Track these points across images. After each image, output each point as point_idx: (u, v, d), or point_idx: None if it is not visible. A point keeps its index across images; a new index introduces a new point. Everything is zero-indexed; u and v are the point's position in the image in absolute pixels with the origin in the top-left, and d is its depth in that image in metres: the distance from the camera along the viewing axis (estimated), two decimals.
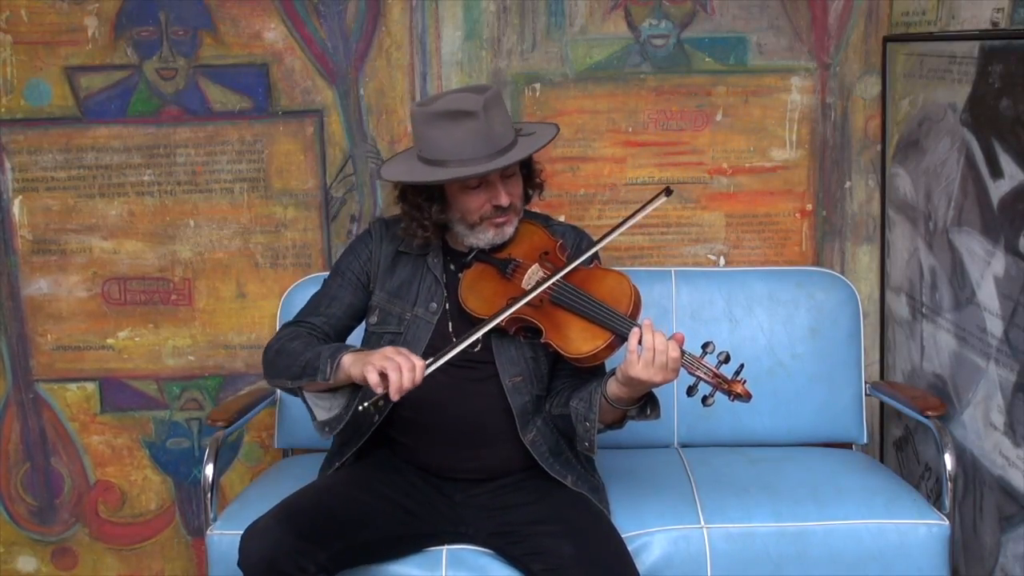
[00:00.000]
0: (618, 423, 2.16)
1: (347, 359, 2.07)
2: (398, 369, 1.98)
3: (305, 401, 2.19)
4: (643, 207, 2.21)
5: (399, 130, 2.83)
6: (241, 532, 2.11)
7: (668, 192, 2.21)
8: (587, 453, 2.17)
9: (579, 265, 2.19)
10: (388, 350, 2.04)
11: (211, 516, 2.39)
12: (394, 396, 1.99)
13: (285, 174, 2.86)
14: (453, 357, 2.08)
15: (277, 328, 2.75)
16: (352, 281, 2.34)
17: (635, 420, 2.15)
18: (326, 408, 2.16)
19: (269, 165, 2.85)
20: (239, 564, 2.08)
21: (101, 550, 3.02)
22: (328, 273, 2.42)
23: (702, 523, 2.28)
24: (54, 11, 2.79)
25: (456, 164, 2.17)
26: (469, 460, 2.25)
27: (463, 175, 2.16)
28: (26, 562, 3.03)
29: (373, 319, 2.32)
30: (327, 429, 2.16)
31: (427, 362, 2.04)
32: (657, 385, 2.03)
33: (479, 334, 2.12)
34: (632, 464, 2.56)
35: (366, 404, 2.03)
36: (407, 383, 1.99)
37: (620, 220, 2.23)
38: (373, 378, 1.99)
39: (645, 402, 2.13)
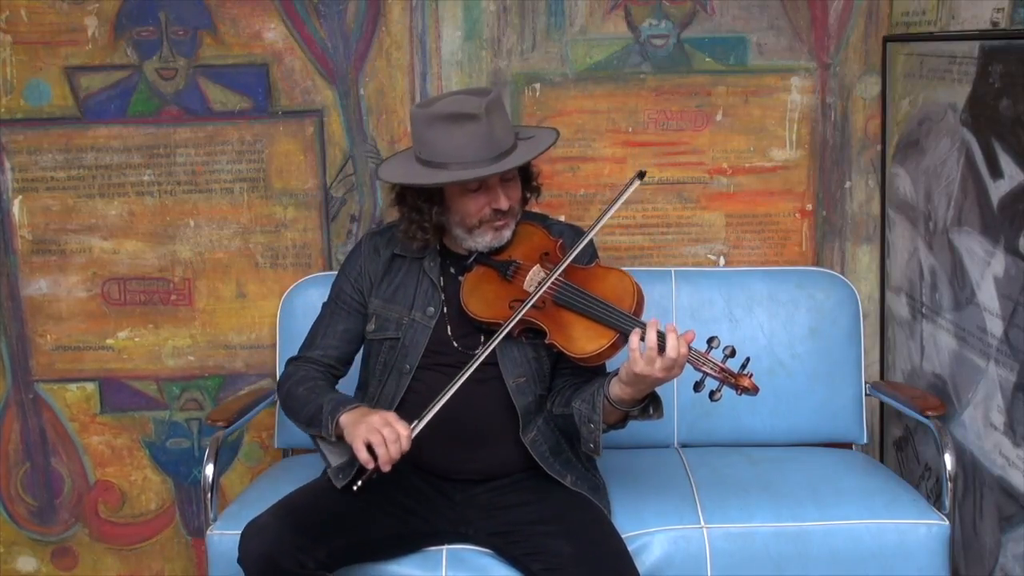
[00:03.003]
0: (620, 423, 2.15)
1: (344, 420, 2.11)
2: (383, 443, 2.02)
3: (318, 448, 2.22)
4: (620, 195, 2.21)
5: (399, 130, 2.83)
6: (239, 540, 2.11)
7: (641, 176, 2.22)
8: (592, 455, 2.17)
9: (575, 259, 2.19)
10: (375, 419, 2.06)
11: (211, 516, 2.39)
12: (384, 468, 2.03)
13: (285, 174, 2.86)
14: (442, 406, 2.09)
15: (277, 329, 2.77)
16: (346, 304, 2.35)
17: (637, 420, 2.15)
18: (338, 455, 2.18)
19: (269, 165, 2.85)
20: (239, 560, 2.08)
21: (101, 550, 3.02)
22: (333, 275, 2.43)
23: (702, 523, 2.28)
24: (54, 11, 2.79)
25: (456, 167, 2.17)
26: (470, 460, 2.25)
27: (464, 178, 2.16)
28: (26, 562, 3.03)
29: (371, 326, 2.32)
30: (340, 476, 2.18)
31: (412, 426, 2.06)
32: (660, 382, 2.03)
33: (471, 369, 2.12)
34: (632, 464, 2.56)
35: (359, 483, 2.06)
36: (395, 454, 2.03)
37: (604, 211, 2.24)
38: (363, 455, 2.04)
39: (648, 402, 2.12)
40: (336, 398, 2.19)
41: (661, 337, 2.00)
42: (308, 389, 2.24)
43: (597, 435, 2.12)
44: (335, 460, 2.18)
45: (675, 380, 2.06)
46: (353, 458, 2.10)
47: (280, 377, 2.36)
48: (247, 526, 2.10)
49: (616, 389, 2.08)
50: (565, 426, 2.23)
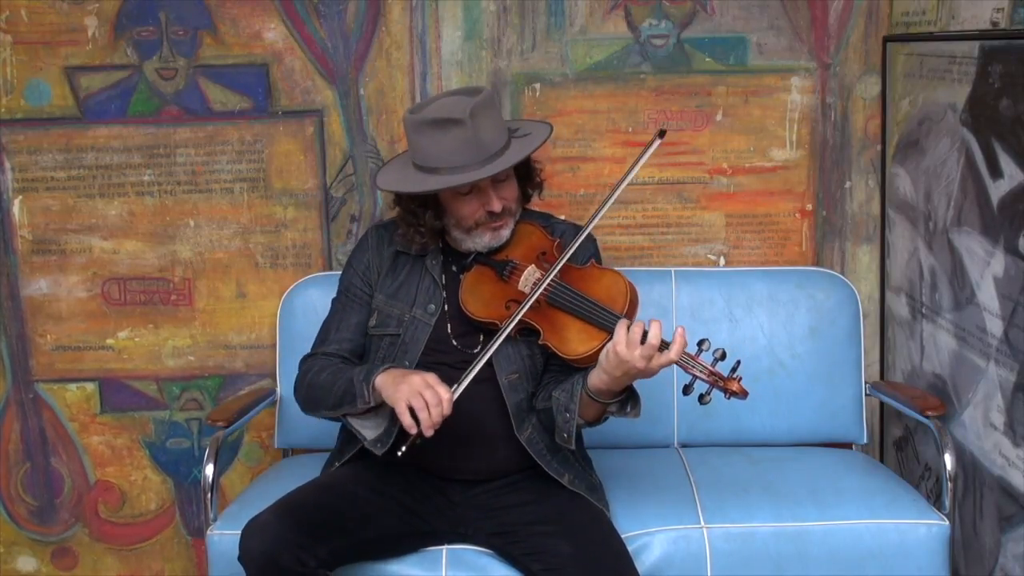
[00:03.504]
0: (597, 420, 2.15)
1: (380, 380, 2.10)
2: (425, 408, 2.01)
3: (351, 426, 2.22)
4: (640, 156, 2.19)
5: (399, 130, 2.83)
6: (239, 538, 2.11)
7: (662, 134, 2.20)
8: (565, 445, 2.16)
9: (571, 258, 2.18)
10: (416, 381, 2.04)
11: (211, 516, 2.39)
12: (427, 433, 2.02)
13: (285, 174, 2.86)
14: (476, 373, 2.10)
15: (277, 329, 2.77)
16: (356, 297, 2.35)
17: (615, 416, 2.14)
18: (373, 427, 2.18)
19: (269, 165, 2.85)
20: (239, 558, 2.08)
21: (101, 550, 3.02)
22: (333, 275, 2.41)
23: (702, 523, 2.28)
24: (54, 11, 2.79)
25: (446, 172, 2.17)
26: (468, 460, 2.25)
27: (451, 184, 2.16)
28: (26, 562, 3.03)
29: (372, 321, 2.32)
30: (379, 445, 2.17)
31: (453, 389, 2.06)
32: (640, 374, 2.01)
33: (494, 347, 2.13)
34: (632, 464, 2.56)
35: (403, 449, 2.05)
36: (437, 418, 2.02)
37: (627, 171, 2.22)
38: (407, 420, 2.02)
39: (626, 398, 2.12)
40: (366, 367, 2.17)
41: (646, 336, 1.99)
42: (332, 372, 2.23)
43: (572, 424, 2.12)
44: (371, 433, 2.17)
45: (674, 381, 2.05)
46: (392, 425, 2.08)
47: (297, 377, 2.34)
48: (247, 524, 2.10)
49: (595, 377, 2.07)
50: (546, 421, 2.22)
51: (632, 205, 2.86)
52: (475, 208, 2.22)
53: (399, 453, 2.06)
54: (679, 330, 2.00)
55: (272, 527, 2.07)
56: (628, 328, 1.99)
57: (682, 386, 2.04)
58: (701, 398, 2.02)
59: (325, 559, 2.07)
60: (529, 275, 2.23)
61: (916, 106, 2.62)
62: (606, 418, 2.15)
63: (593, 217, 2.21)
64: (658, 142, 2.19)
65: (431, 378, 2.05)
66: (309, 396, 2.28)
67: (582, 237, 2.21)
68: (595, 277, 2.20)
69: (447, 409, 2.02)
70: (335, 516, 2.13)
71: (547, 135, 2.28)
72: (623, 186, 2.19)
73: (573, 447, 2.18)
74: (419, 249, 2.31)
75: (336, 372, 2.22)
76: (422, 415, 2.00)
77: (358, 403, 2.13)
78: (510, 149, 2.22)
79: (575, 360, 2.13)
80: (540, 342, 2.17)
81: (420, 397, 2.01)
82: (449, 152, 2.16)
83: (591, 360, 2.12)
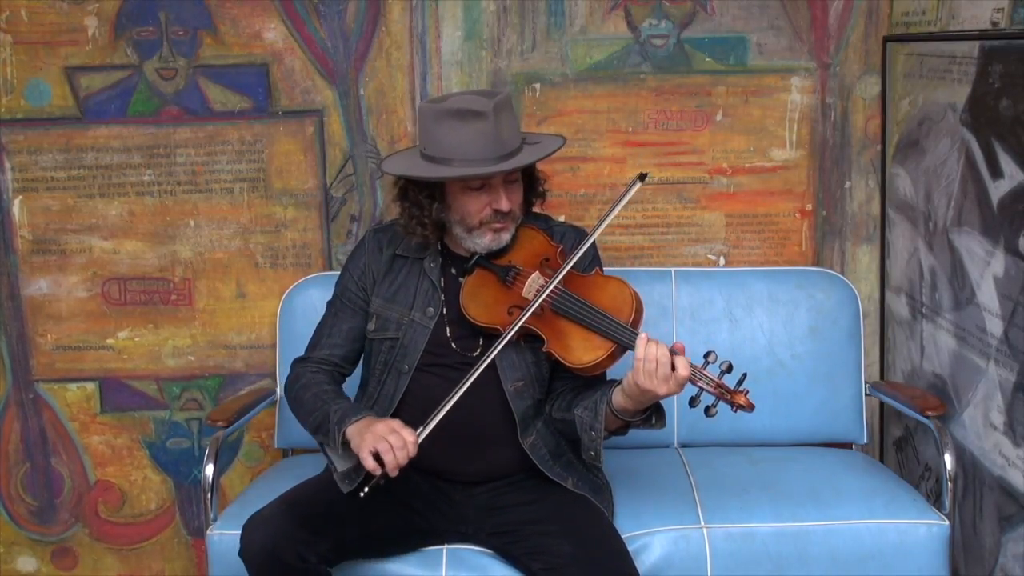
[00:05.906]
0: (622, 430, 2.15)
1: (350, 431, 2.11)
2: (390, 450, 2.03)
3: (325, 453, 2.24)
4: (621, 197, 2.20)
5: (399, 130, 2.83)
6: (240, 532, 2.11)
7: (642, 178, 2.21)
8: (593, 462, 2.17)
9: (575, 265, 2.18)
10: (381, 427, 2.06)
11: (211, 516, 2.39)
12: (392, 474, 2.04)
13: (285, 174, 2.86)
14: (445, 414, 2.09)
15: (277, 329, 2.77)
16: (350, 302, 2.35)
17: (639, 428, 2.15)
18: (344, 460, 2.18)
19: (269, 165, 2.86)
20: (240, 553, 2.08)
21: (101, 550, 3.02)
22: (333, 275, 2.42)
23: (702, 523, 2.28)
24: (54, 11, 2.79)
25: (461, 164, 2.17)
26: (469, 463, 2.25)
27: (468, 174, 2.16)
28: (26, 562, 3.03)
29: (371, 325, 2.32)
30: (346, 481, 2.18)
31: (418, 432, 2.07)
32: (662, 396, 2.03)
33: (474, 376, 2.11)
34: (632, 464, 2.56)
35: (367, 490, 2.06)
36: (402, 460, 2.04)
37: (605, 213, 2.23)
38: (370, 463, 2.04)
39: (651, 412, 2.12)
40: (342, 408, 2.19)
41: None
42: (314, 395, 2.25)
43: (599, 443, 2.12)
44: (341, 466, 2.18)
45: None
46: (359, 465, 2.10)
47: (286, 379, 2.37)
48: (249, 519, 2.11)
49: (619, 399, 2.08)
50: (565, 431, 2.23)
51: (632, 205, 2.82)
52: (483, 205, 2.22)
53: (361, 494, 2.06)
54: (675, 344, 2.02)
55: (273, 522, 2.07)
56: (644, 348, 2.00)
57: (688, 398, 2.05)
58: (707, 410, 2.02)
59: (325, 555, 2.08)
60: (533, 282, 2.22)
61: (916, 106, 2.62)
62: (629, 429, 2.16)
63: (585, 241, 2.21)
64: (638, 184, 2.20)
65: (396, 423, 2.08)
66: (293, 409, 2.33)
67: (586, 246, 2.20)
68: (600, 285, 2.20)
69: (412, 451, 2.04)
70: (336, 512, 2.14)
71: (560, 144, 2.30)
72: (602, 226, 2.19)
73: (601, 464, 2.19)
74: (419, 244, 2.30)
75: (317, 397, 2.25)
76: (387, 457, 2.03)
77: (330, 443, 2.17)
78: (524, 152, 2.24)
79: (580, 368, 2.13)
80: (544, 350, 2.17)
81: (384, 441, 2.04)
82: (467, 144, 2.16)
83: (596, 369, 2.12)
